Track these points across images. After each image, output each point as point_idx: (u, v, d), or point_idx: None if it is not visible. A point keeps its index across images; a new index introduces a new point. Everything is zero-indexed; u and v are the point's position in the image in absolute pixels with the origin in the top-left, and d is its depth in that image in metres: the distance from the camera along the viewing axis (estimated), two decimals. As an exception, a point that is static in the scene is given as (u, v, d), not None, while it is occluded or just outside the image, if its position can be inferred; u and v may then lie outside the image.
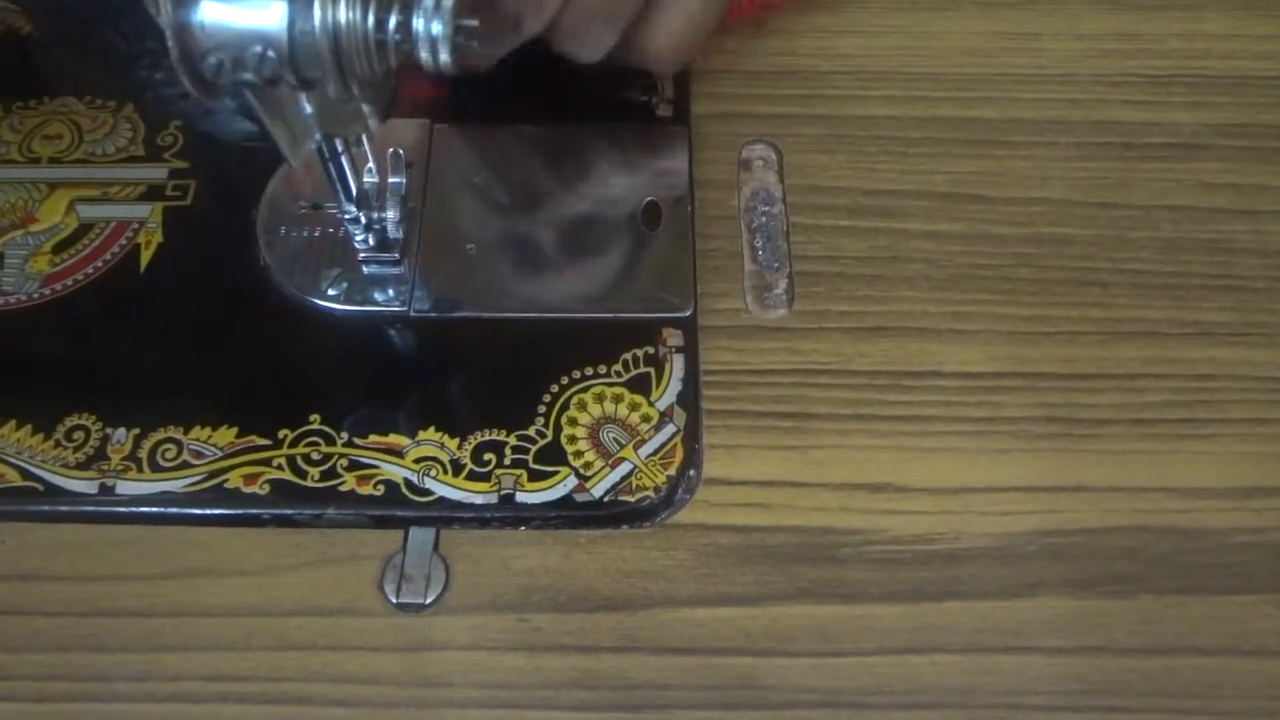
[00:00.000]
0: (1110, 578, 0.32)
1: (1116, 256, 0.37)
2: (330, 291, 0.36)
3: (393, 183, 0.36)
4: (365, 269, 0.36)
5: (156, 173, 0.38)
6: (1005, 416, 0.34)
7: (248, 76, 0.22)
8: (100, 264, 0.36)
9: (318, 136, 0.28)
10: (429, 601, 0.31)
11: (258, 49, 0.22)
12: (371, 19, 0.22)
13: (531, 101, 0.40)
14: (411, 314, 0.35)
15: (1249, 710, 0.30)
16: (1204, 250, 0.38)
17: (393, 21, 0.22)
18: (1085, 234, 0.38)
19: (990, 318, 0.36)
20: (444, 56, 0.23)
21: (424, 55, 0.23)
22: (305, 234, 0.37)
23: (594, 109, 0.40)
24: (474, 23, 0.23)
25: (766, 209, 0.38)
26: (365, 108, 0.25)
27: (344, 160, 0.32)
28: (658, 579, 0.31)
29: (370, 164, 0.35)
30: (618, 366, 0.34)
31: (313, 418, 0.34)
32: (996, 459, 0.33)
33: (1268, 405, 0.35)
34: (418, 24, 0.22)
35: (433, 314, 0.35)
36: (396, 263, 0.36)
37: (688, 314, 0.35)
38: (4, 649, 0.30)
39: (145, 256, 0.37)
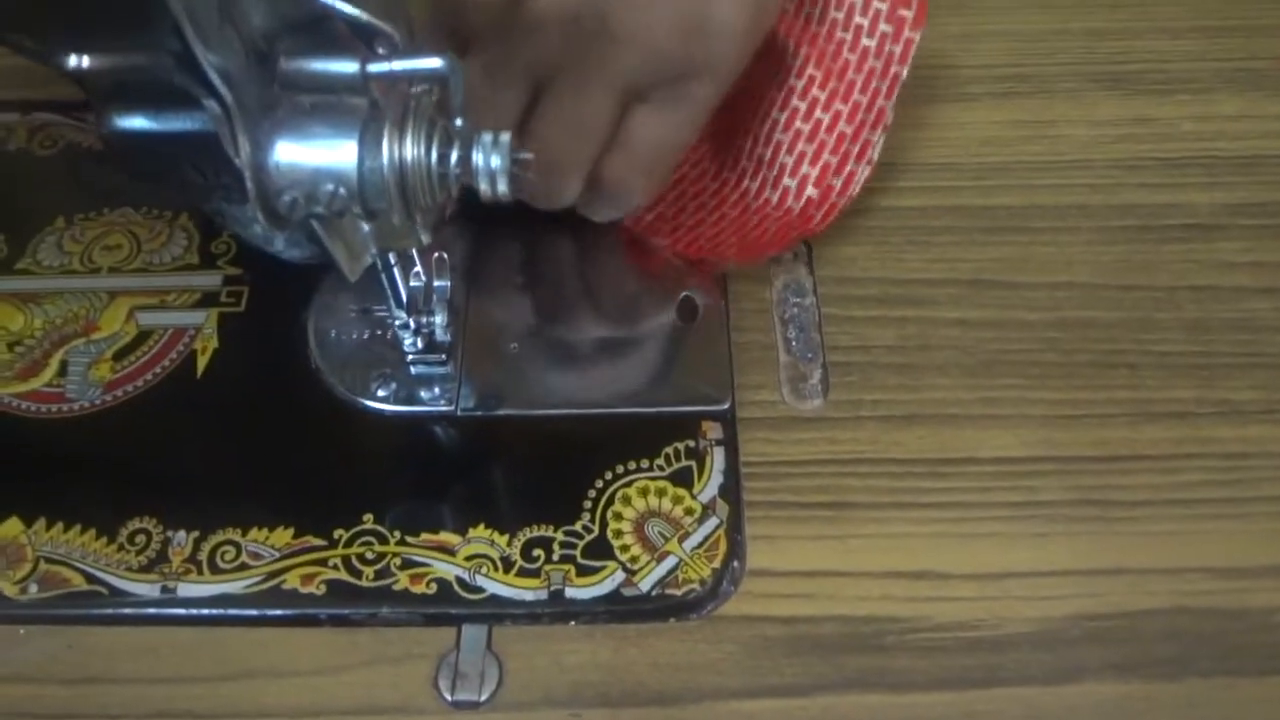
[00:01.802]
0: (1154, 661, 0.32)
1: (1142, 338, 0.38)
2: (380, 393, 0.37)
3: (438, 286, 0.37)
4: (413, 369, 0.37)
5: (211, 280, 0.40)
6: (1041, 501, 0.35)
7: (319, 210, 0.24)
8: (159, 370, 0.38)
9: (373, 252, 0.30)
10: (484, 699, 0.32)
11: (329, 187, 0.23)
12: (435, 154, 0.24)
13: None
14: (458, 413, 0.37)
15: (1301, 793, 0.30)
16: (1229, 329, 0.38)
17: (454, 156, 0.24)
18: (1110, 317, 0.39)
19: (1021, 402, 0.37)
20: (502, 188, 0.24)
21: (484, 187, 0.24)
22: (355, 336, 0.38)
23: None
24: (530, 156, 0.25)
25: (798, 300, 0.39)
26: (420, 227, 0.26)
27: (395, 270, 0.33)
28: (707, 672, 0.32)
29: (417, 268, 0.37)
30: (660, 460, 0.35)
31: (366, 517, 0.35)
32: (1035, 544, 0.34)
33: (1300, 483, 0.35)
34: (477, 158, 0.24)
35: (478, 412, 0.37)
36: (443, 363, 0.37)
37: (725, 406, 0.36)
38: (72, 754, 0.31)
39: (202, 362, 0.38)
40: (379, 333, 0.38)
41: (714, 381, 0.37)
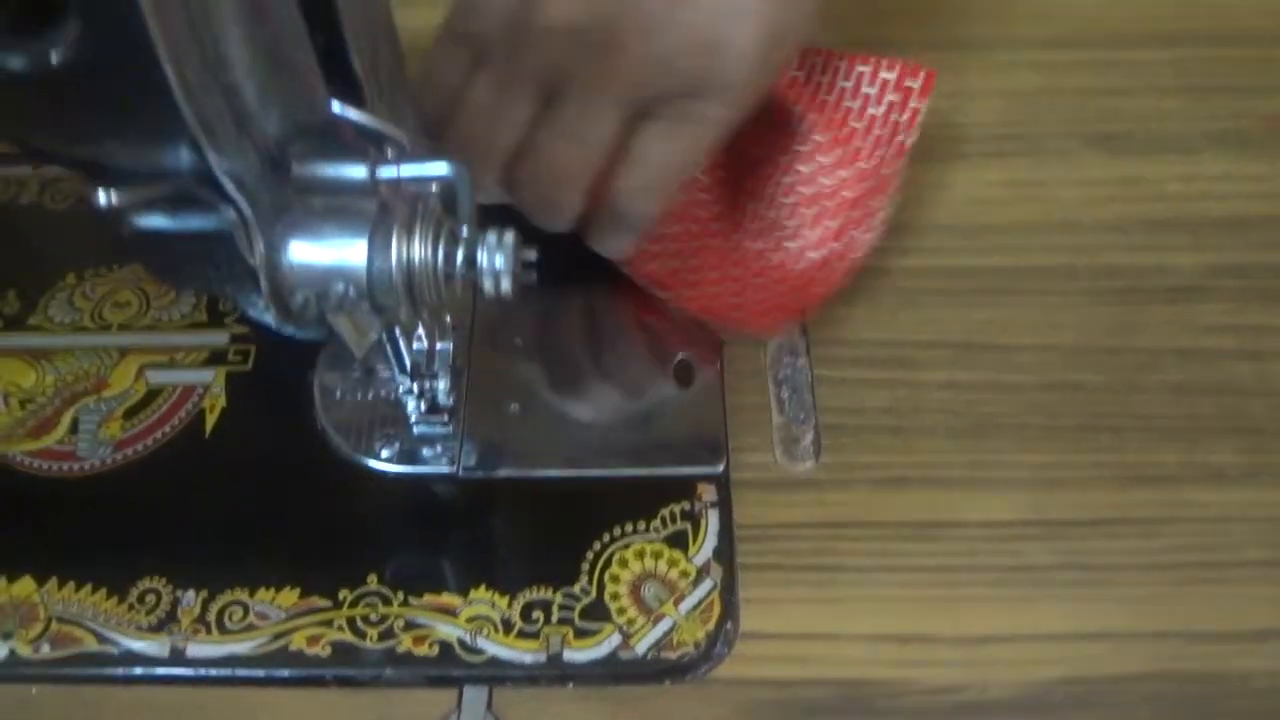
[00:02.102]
0: (1136, 725, 0.33)
1: (1127, 401, 0.39)
2: (383, 453, 0.38)
3: (440, 348, 0.38)
4: (416, 429, 0.38)
5: (219, 338, 0.41)
6: (1027, 565, 0.36)
7: (329, 307, 0.25)
8: (168, 429, 0.39)
9: (378, 328, 0.31)
10: (484, 760, 0.32)
11: (340, 286, 0.24)
12: (441, 254, 0.25)
13: (568, 264, 0.42)
14: (460, 473, 0.38)
15: None
16: (1211, 393, 0.39)
17: (459, 256, 0.25)
18: (1096, 380, 0.40)
19: (1009, 466, 0.38)
20: (505, 286, 0.25)
21: (488, 285, 0.25)
22: (359, 396, 0.39)
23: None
24: (534, 255, 0.26)
25: (791, 361, 0.40)
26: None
27: (399, 339, 0.34)
28: (701, 734, 0.33)
29: (420, 331, 0.38)
30: (656, 523, 0.36)
31: (370, 577, 0.35)
32: (1021, 607, 0.35)
33: (1280, 547, 0.36)
34: (482, 259, 0.25)
35: (479, 472, 0.38)
36: (445, 424, 0.38)
37: (720, 469, 0.37)
38: (83, 813, 0.32)
39: (210, 421, 0.39)
40: (383, 393, 0.39)
41: (709, 444, 0.38)
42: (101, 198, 0.21)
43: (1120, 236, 0.44)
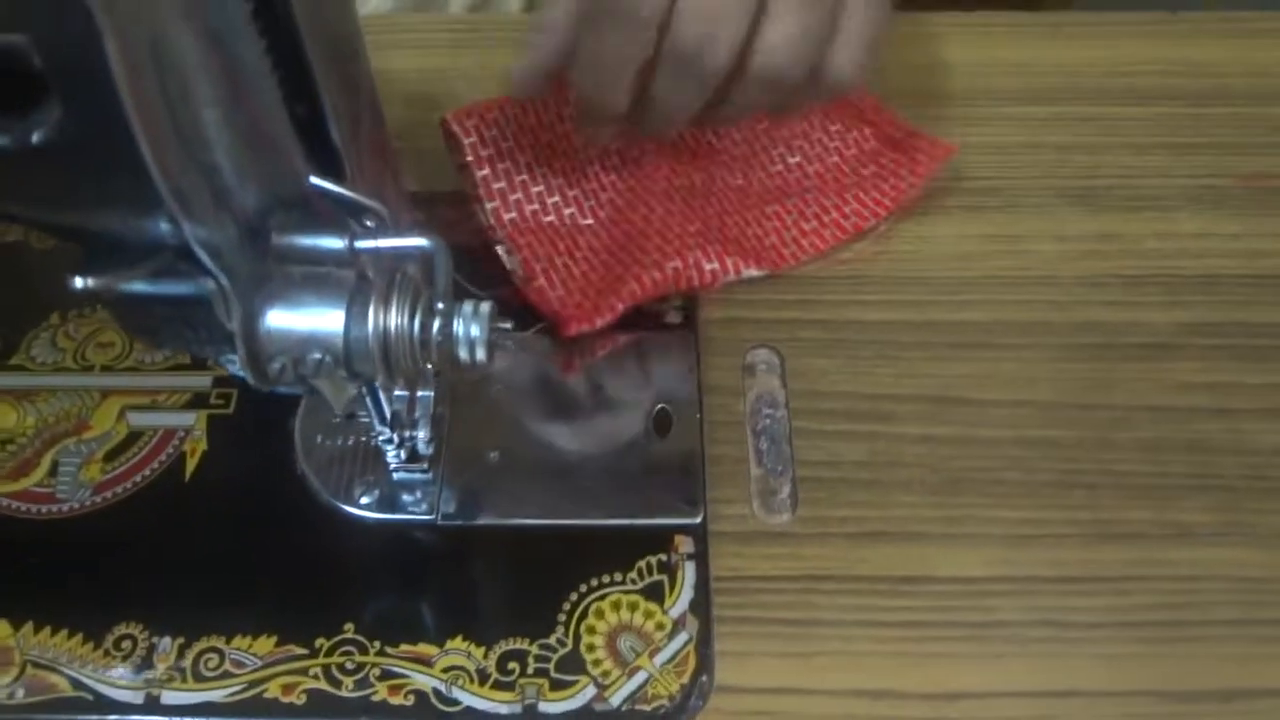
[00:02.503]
0: (1104, 786, 0.33)
1: (1101, 458, 0.40)
2: (363, 499, 0.38)
3: (421, 397, 0.39)
4: (395, 476, 0.39)
5: (201, 381, 0.41)
6: (999, 620, 0.36)
7: (306, 373, 0.25)
8: (149, 472, 0.39)
9: (358, 386, 0.31)
10: (456, 814, 0.33)
11: (316, 354, 0.25)
12: (417, 324, 0.25)
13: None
14: (439, 521, 0.38)
15: None
16: (1183, 450, 0.40)
17: (436, 325, 0.25)
18: (1070, 436, 0.40)
19: (982, 521, 0.38)
20: (480, 355, 0.26)
21: (463, 355, 0.26)
22: (339, 442, 0.39)
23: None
24: (508, 325, 0.26)
25: (770, 412, 0.41)
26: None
27: (379, 391, 0.35)
28: (672, 790, 0.33)
29: (400, 380, 0.38)
30: (633, 574, 0.37)
31: (347, 626, 0.36)
32: (991, 664, 0.35)
33: (1250, 606, 0.36)
34: (458, 328, 0.25)
35: (458, 520, 0.38)
36: (425, 471, 0.38)
37: (698, 521, 0.38)
38: None
39: (190, 464, 0.39)
40: (363, 439, 0.39)
41: (687, 495, 0.38)
42: (78, 283, 0.21)
43: (1097, 292, 0.44)
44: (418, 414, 0.38)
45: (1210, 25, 0.53)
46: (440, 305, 0.25)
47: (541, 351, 0.42)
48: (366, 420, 0.39)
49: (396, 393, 0.38)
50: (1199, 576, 0.37)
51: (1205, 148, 0.49)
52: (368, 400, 0.35)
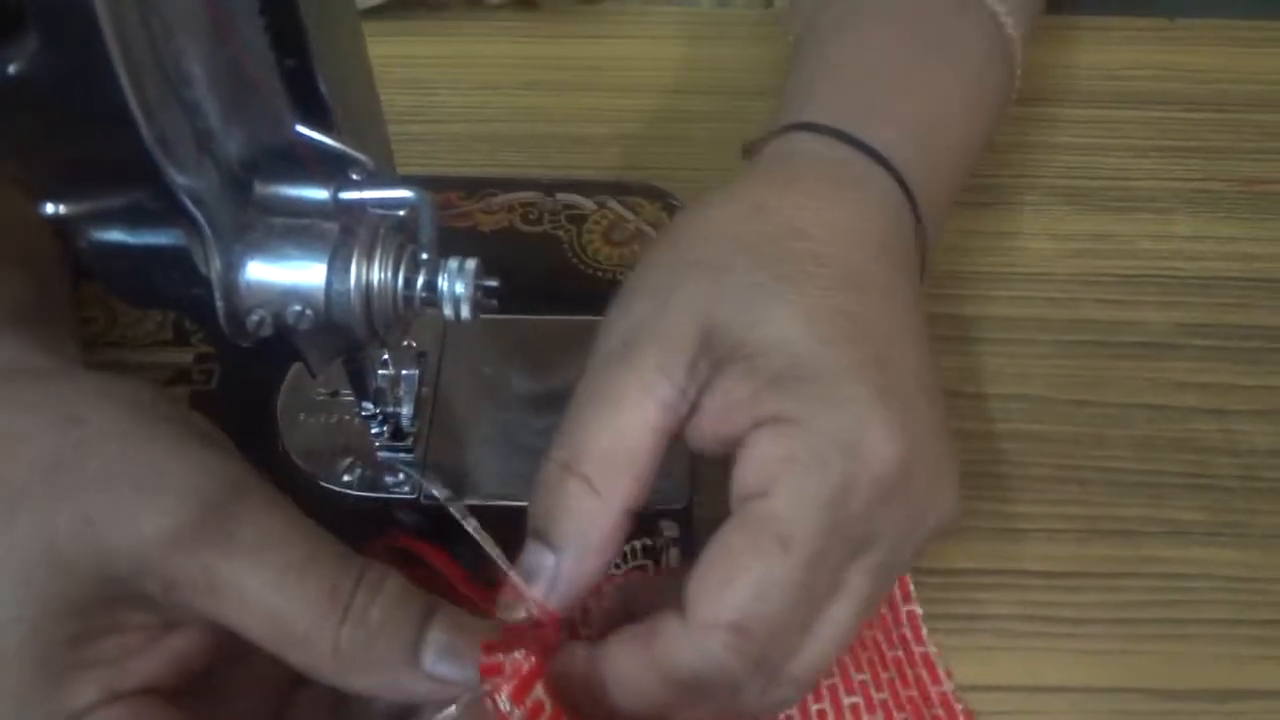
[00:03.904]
0: (1091, 782, 0.33)
1: (1094, 454, 0.39)
2: (345, 477, 0.37)
3: (405, 375, 0.38)
4: (379, 455, 0.38)
5: (183, 357, 0.41)
6: (987, 614, 0.36)
7: (285, 326, 0.24)
8: (127, 446, 0.38)
9: (341, 351, 0.31)
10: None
11: (296, 307, 0.24)
12: (401, 279, 0.25)
13: (538, 292, 0.42)
14: (422, 500, 0.37)
15: None
16: (1176, 449, 0.39)
17: (420, 281, 0.25)
18: (1063, 431, 0.40)
19: (972, 514, 0.37)
20: (465, 313, 0.25)
21: (448, 311, 0.25)
22: (323, 419, 0.39)
23: (597, 300, 0.43)
24: (494, 283, 0.26)
25: (760, 401, 0.40)
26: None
27: (364, 362, 0.34)
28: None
29: (386, 357, 0.38)
30: (618, 559, 0.36)
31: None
32: (979, 657, 0.35)
33: (1240, 606, 0.36)
34: (443, 284, 0.25)
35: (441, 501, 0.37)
36: (409, 450, 0.38)
37: (683, 506, 0.37)
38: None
39: (170, 440, 0.38)
40: (347, 417, 0.39)
41: (673, 480, 0.37)
42: (48, 209, 0.21)
43: (1092, 290, 0.44)
44: (401, 392, 0.37)
45: (1207, 33, 0.53)
46: (425, 257, 0.25)
47: (531, 335, 0.41)
48: (350, 398, 0.39)
49: (382, 372, 0.37)
50: (1190, 575, 0.37)
51: (1200, 151, 0.49)
52: (350, 376, 0.34)
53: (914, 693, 0.33)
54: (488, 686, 0.24)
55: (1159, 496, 0.38)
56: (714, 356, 0.27)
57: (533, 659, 0.24)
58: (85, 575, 0.22)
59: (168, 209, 0.23)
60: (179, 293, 0.25)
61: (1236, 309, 0.43)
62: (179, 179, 0.22)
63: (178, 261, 0.24)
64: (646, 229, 0.45)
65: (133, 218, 0.24)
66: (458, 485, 0.37)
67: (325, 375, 0.35)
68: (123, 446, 0.23)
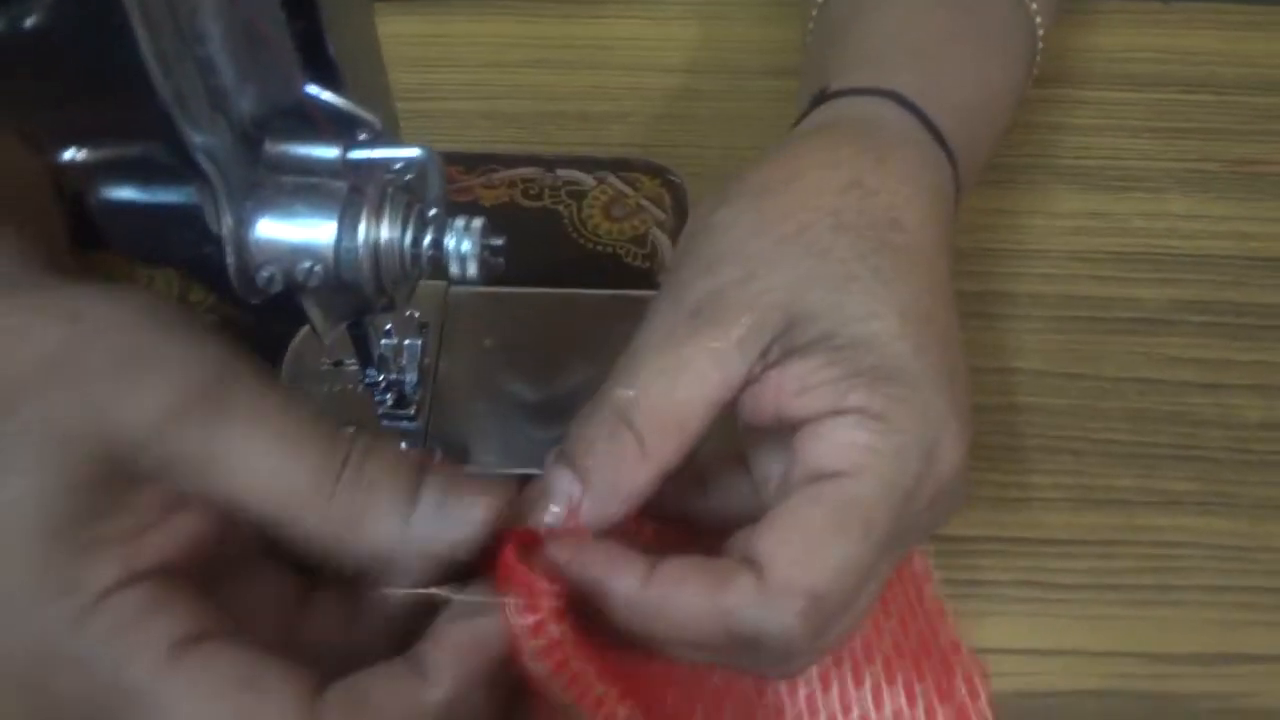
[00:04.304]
0: (1084, 743, 0.33)
1: (1088, 426, 0.40)
2: (348, 446, 0.38)
3: (408, 344, 0.38)
4: (382, 423, 0.38)
5: (189, 328, 0.41)
6: (983, 580, 0.36)
7: (295, 282, 0.25)
8: (133, 415, 0.39)
9: (348, 315, 0.31)
10: None
11: (306, 263, 0.24)
12: (409, 237, 0.25)
13: (538, 266, 0.43)
14: (423, 468, 0.38)
15: None
16: (1169, 422, 0.40)
17: (427, 239, 0.25)
18: (1058, 403, 0.40)
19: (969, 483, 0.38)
20: (471, 270, 0.26)
21: (454, 269, 0.26)
22: (326, 389, 0.39)
23: (596, 274, 0.43)
24: (500, 241, 0.26)
25: (759, 373, 0.41)
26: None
27: (369, 329, 0.35)
28: None
29: (389, 326, 0.38)
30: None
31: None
32: (975, 622, 0.35)
33: (1231, 574, 0.37)
34: (449, 242, 0.25)
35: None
36: (412, 419, 0.38)
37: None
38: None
39: (176, 408, 0.39)
40: (350, 386, 0.39)
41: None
42: (68, 153, 0.21)
43: (1087, 267, 0.44)
44: (404, 361, 0.38)
45: (1202, 17, 0.54)
46: (433, 213, 0.25)
47: (529, 303, 0.42)
48: (353, 368, 0.39)
49: (384, 342, 0.38)
50: (1182, 543, 0.37)
51: (1194, 133, 0.49)
52: (354, 342, 0.35)
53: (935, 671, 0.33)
54: (508, 602, 0.24)
55: (1152, 467, 0.39)
56: (795, 341, 0.27)
57: (555, 586, 0.24)
58: (90, 455, 0.22)
59: (180, 166, 0.23)
60: (189, 251, 0.26)
61: (1230, 286, 0.44)
62: (193, 136, 0.23)
63: (189, 219, 0.25)
64: (646, 204, 0.46)
65: (145, 175, 0.25)
66: (459, 454, 0.38)
67: (330, 343, 0.36)
68: (121, 337, 0.24)
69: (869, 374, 0.27)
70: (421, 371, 0.38)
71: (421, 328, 0.39)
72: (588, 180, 0.47)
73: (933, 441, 0.27)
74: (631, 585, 0.26)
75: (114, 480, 0.23)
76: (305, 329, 0.40)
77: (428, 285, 0.42)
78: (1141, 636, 0.35)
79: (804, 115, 0.35)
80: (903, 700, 0.32)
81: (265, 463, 0.23)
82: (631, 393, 0.27)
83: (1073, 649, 0.35)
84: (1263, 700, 0.34)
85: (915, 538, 0.28)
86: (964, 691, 0.32)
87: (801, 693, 0.32)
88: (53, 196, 0.37)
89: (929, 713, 0.31)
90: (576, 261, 0.44)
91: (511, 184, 0.46)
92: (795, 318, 0.27)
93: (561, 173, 0.47)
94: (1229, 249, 0.45)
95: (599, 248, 0.44)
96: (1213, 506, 0.38)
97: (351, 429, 0.25)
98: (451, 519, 0.24)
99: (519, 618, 0.24)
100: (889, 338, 0.27)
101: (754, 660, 0.27)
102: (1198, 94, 0.51)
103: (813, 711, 0.32)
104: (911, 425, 0.26)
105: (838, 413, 0.27)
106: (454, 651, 0.24)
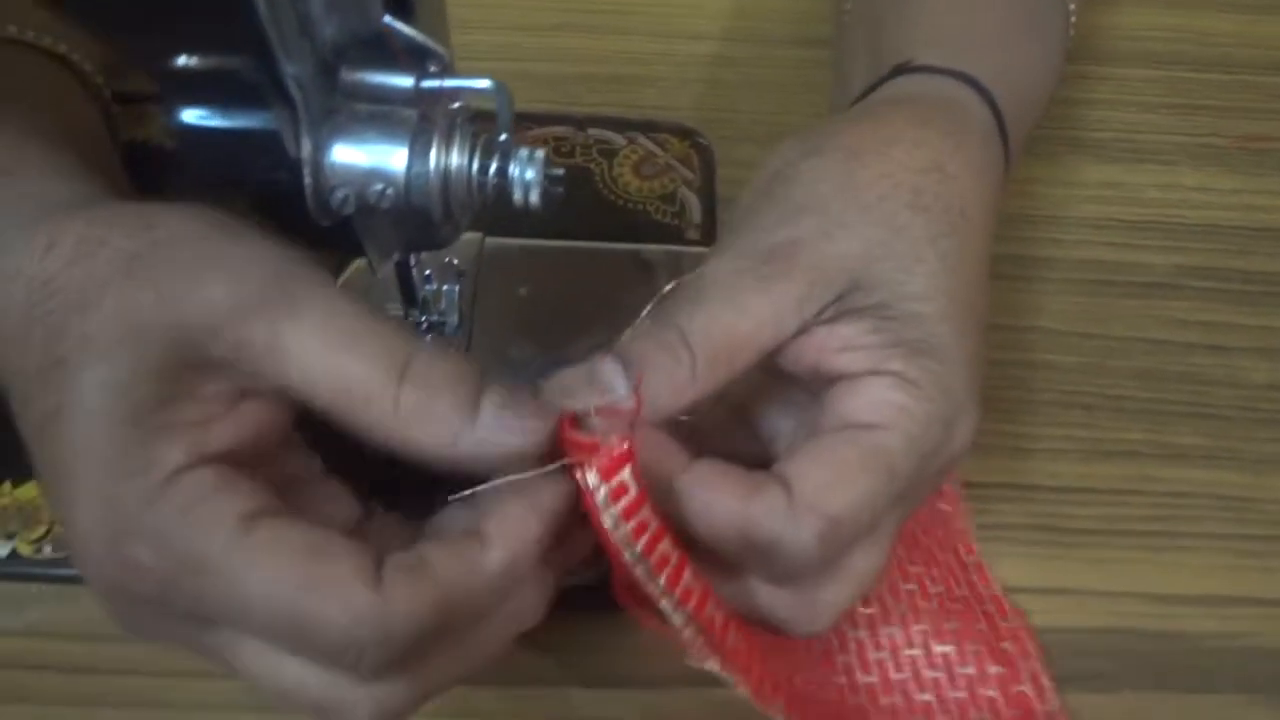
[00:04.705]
0: (1092, 675, 0.35)
1: (1099, 382, 0.41)
2: (389, 385, 0.39)
3: (447, 289, 0.40)
4: (422, 366, 0.40)
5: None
6: (999, 524, 0.38)
7: (368, 207, 0.26)
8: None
9: (401, 249, 0.32)
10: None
11: (379, 186, 0.26)
12: (476, 164, 0.27)
13: (569, 220, 0.44)
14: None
15: (1219, 803, 0.33)
16: (1178, 380, 0.42)
17: (493, 167, 0.27)
18: (1070, 361, 0.42)
19: (985, 434, 0.39)
20: (534, 198, 0.27)
21: (517, 196, 0.27)
22: (368, 332, 0.40)
23: (626, 229, 0.45)
24: (561, 171, 0.28)
25: (785, 326, 0.42)
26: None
27: (414, 271, 0.36)
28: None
29: (429, 271, 0.39)
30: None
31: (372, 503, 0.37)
32: (991, 562, 0.37)
33: (1235, 523, 0.38)
34: (514, 170, 0.27)
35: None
36: (450, 363, 0.39)
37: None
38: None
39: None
40: (391, 331, 0.40)
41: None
42: (182, 60, 0.23)
43: (1099, 234, 0.46)
44: (444, 305, 0.39)
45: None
46: (503, 138, 0.26)
47: (562, 255, 0.43)
48: (396, 313, 0.41)
49: (426, 287, 0.39)
50: (1190, 494, 0.39)
51: (1207, 109, 0.51)
52: (400, 282, 0.36)
53: (983, 626, 0.35)
54: (574, 462, 0.25)
55: (1161, 423, 0.40)
56: (851, 304, 0.29)
57: (626, 442, 0.25)
58: (163, 344, 0.24)
59: (266, 91, 0.25)
60: (263, 176, 0.27)
61: (1238, 255, 0.46)
62: (283, 60, 0.24)
63: (266, 145, 0.26)
64: (675, 164, 0.47)
65: (225, 102, 0.26)
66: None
67: (381, 275, 0.37)
68: (192, 242, 0.25)
69: (911, 345, 0.28)
70: (460, 318, 0.40)
71: (460, 275, 0.41)
72: (618, 139, 0.48)
73: (954, 417, 0.29)
74: (673, 471, 0.27)
75: (185, 370, 0.24)
76: (345, 275, 0.42)
77: (465, 237, 0.44)
78: (1149, 579, 0.37)
79: (882, 81, 0.36)
80: (953, 653, 0.34)
81: (329, 356, 0.24)
82: (685, 319, 0.28)
83: (1083, 589, 0.36)
84: (1264, 640, 0.36)
85: (916, 500, 0.30)
86: (1011, 645, 0.34)
87: (851, 642, 0.34)
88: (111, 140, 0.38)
89: (979, 666, 0.33)
90: (607, 217, 0.45)
91: (544, 142, 0.47)
92: (859, 284, 0.29)
93: (593, 132, 0.48)
94: (1236, 219, 0.47)
95: (629, 204, 0.46)
96: (1219, 460, 0.40)
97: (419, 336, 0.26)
98: (511, 427, 0.25)
99: (598, 480, 0.25)
100: (937, 319, 0.29)
101: (759, 565, 0.29)
102: (1211, 73, 0.52)
103: (863, 663, 0.34)
104: (940, 398, 0.28)
105: (875, 373, 0.28)
106: (511, 520, 0.25)
